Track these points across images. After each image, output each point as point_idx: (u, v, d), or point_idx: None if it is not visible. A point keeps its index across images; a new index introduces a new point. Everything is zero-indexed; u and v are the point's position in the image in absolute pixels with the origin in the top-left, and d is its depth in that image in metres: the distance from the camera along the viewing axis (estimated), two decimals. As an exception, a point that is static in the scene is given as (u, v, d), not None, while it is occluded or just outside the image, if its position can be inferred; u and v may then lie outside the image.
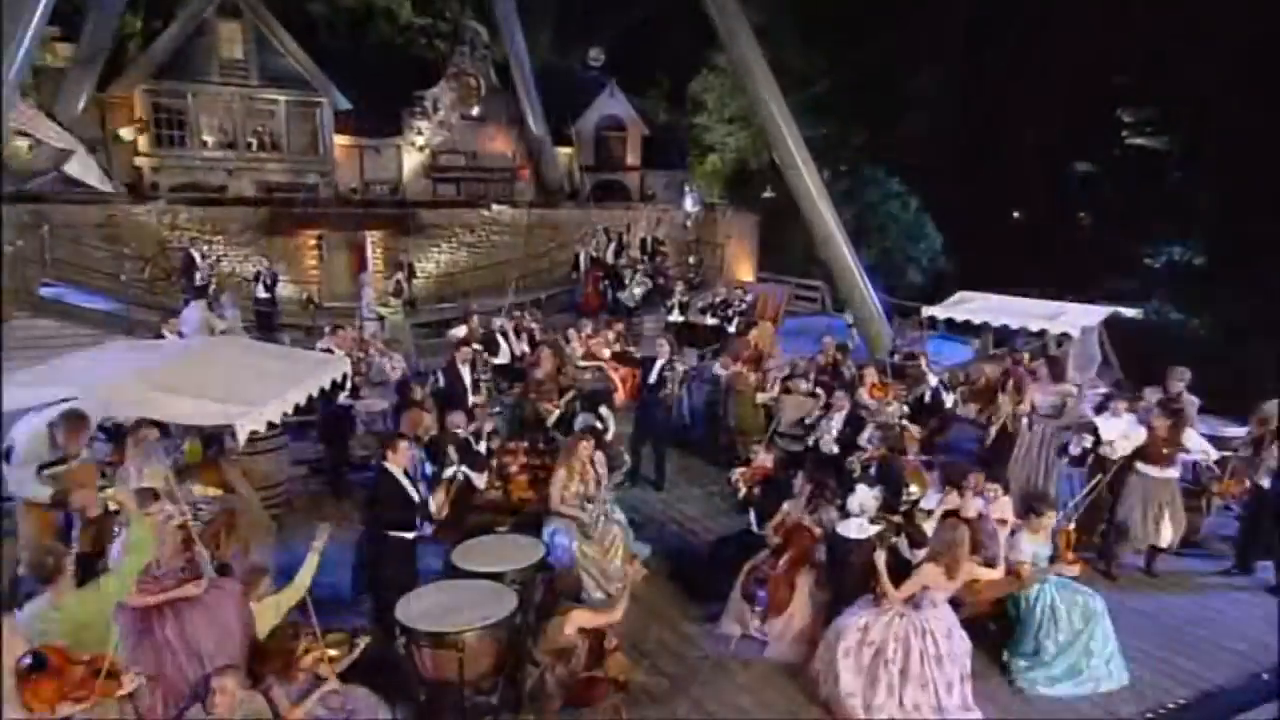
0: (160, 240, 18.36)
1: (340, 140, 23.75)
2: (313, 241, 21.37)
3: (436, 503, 5.60)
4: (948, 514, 5.62)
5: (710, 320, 13.86)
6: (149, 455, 5.67)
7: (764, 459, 6.60)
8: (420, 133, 24.84)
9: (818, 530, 6.05)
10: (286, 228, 20.59)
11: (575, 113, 27.39)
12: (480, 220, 23.18)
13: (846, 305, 16.10)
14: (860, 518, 5.74)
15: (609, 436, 8.10)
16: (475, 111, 25.76)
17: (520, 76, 24.44)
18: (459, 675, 4.54)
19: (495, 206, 23.65)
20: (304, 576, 4.72)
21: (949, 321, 16.67)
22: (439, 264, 21.92)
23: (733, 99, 27.72)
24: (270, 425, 7.96)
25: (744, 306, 13.74)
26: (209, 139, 21.56)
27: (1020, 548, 5.80)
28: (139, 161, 21.03)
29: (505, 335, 10.40)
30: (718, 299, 13.96)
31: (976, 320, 10.05)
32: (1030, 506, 5.88)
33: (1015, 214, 28.58)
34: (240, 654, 4.46)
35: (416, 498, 5.55)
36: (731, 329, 12.87)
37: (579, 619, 4.82)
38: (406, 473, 5.67)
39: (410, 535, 5.54)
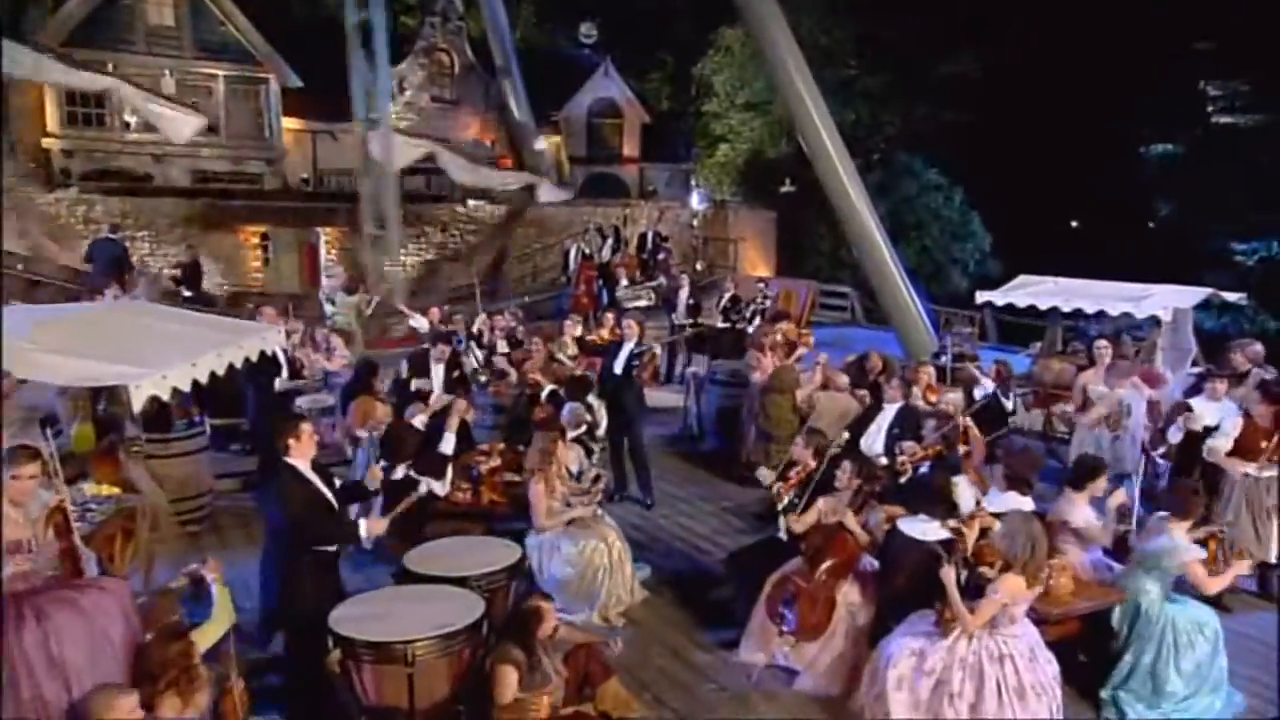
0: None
1: (290, 124, 23.70)
2: (256, 240, 21.21)
3: (370, 529, 5.13)
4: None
5: (724, 323, 13.60)
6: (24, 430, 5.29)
7: (801, 453, 6.26)
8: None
9: (864, 536, 5.67)
10: (225, 223, 20.43)
11: (564, 96, 27.43)
12: (453, 217, 23.07)
13: (888, 313, 15.80)
14: (929, 522, 5.35)
15: (600, 429, 8.11)
16: (447, 93, 25.76)
17: (500, 53, 24.49)
18: (408, 701, 4.32)
19: (471, 202, 23.56)
20: (222, 613, 4.38)
21: (1000, 326, 16.58)
22: (405, 268, 21.66)
23: (747, 82, 27.77)
24: (189, 422, 8.00)
25: (765, 304, 13.46)
26: (132, 119, 21.44)
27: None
28: (47, 143, 20.82)
29: (477, 338, 10.31)
30: (726, 295, 13.68)
31: (1043, 305, 9.72)
32: (1081, 474, 5.70)
33: (1077, 215, 28.48)
34: (122, 671, 4.08)
35: (333, 501, 5.12)
36: (751, 330, 12.60)
37: (507, 681, 4.38)
38: (320, 468, 5.22)
39: (332, 548, 5.14)
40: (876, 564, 5.68)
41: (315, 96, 23.28)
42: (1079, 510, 5.80)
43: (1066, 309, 9.75)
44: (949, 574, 4.88)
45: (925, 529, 5.34)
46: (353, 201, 22.16)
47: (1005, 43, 25.51)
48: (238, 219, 20.55)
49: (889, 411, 7.66)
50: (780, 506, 5.97)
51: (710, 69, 28.44)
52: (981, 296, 10.17)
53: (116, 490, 6.13)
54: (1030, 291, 9.80)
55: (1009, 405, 8.83)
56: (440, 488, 6.61)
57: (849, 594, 5.59)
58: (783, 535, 6.15)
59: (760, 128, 27.61)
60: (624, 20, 28.48)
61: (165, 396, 4.96)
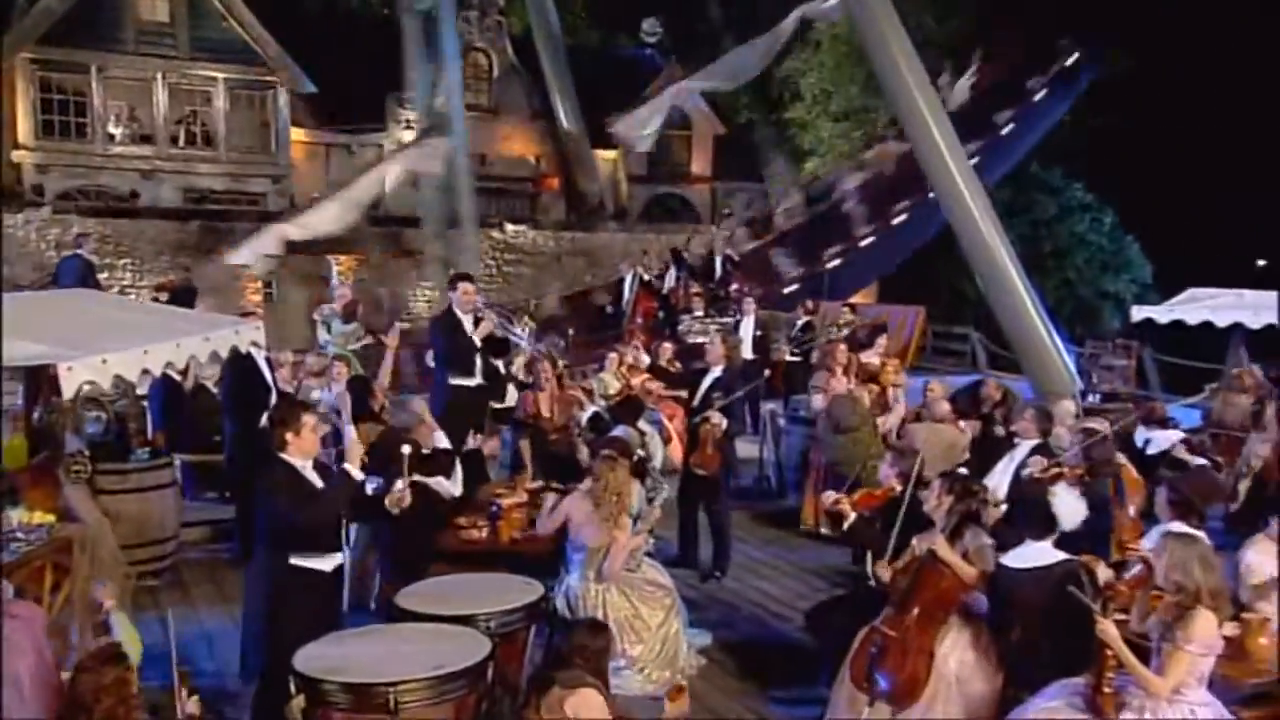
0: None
1: (300, 135, 24.44)
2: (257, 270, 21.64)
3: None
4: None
5: (795, 355, 13.46)
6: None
7: (886, 473, 6.01)
8: (409, 127, 25.37)
9: (969, 569, 5.32)
10: (222, 250, 20.88)
11: (622, 104, 27.63)
12: (490, 246, 23.34)
13: (1021, 357, 15.39)
14: (1043, 541, 4.99)
15: (655, 460, 8.12)
16: (485, 100, 26.28)
17: (548, 54, 25.02)
18: (390, 761, 4.17)
19: (511, 228, 23.88)
20: (126, 646, 4.40)
21: (1163, 370, 15.98)
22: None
23: (840, 85, 27.82)
24: (152, 452, 7.97)
25: (847, 331, 13.18)
26: (118, 130, 22.29)
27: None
28: (18, 156, 21.67)
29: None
30: (799, 323, 13.61)
31: (1221, 321, 9.25)
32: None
33: (1266, 250, 27.46)
34: (33, 711, 4.14)
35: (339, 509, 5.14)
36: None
37: (593, 704, 4.18)
38: (322, 467, 5.22)
39: (329, 566, 5.11)
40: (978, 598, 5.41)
41: (330, 103, 24.10)
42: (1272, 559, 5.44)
43: (1254, 325, 9.26)
44: (1110, 630, 4.50)
45: (1031, 553, 5.03)
46: (372, 225, 22.64)
47: (1168, 28, 25.05)
48: (236, 245, 20.96)
49: (1022, 449, 7.43)
50: (845, 524, 5.88)
51: (798, 69, 28.56)
52: (1139, 313, 9.77)
53: (51, 518, 6.09)
54: (1207, 305, 9.36)
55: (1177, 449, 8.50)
56: (453, 486, 6.70)
57: (953, 644, 5.31)
58: (872, 578, 5.93)
59: (857, 138, 27.51)
60: (692, 15, 28.78)
61: (105, 385, 4.89)
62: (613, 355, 11.55)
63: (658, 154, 27.80)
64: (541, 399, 8.96)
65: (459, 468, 6.97)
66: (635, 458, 7.28)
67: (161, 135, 22.69)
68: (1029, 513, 5.30)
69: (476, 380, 8.39)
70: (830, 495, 6.39)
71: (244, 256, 19.44)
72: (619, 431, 7.71)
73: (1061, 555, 5.08)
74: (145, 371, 5.32)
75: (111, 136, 22.21)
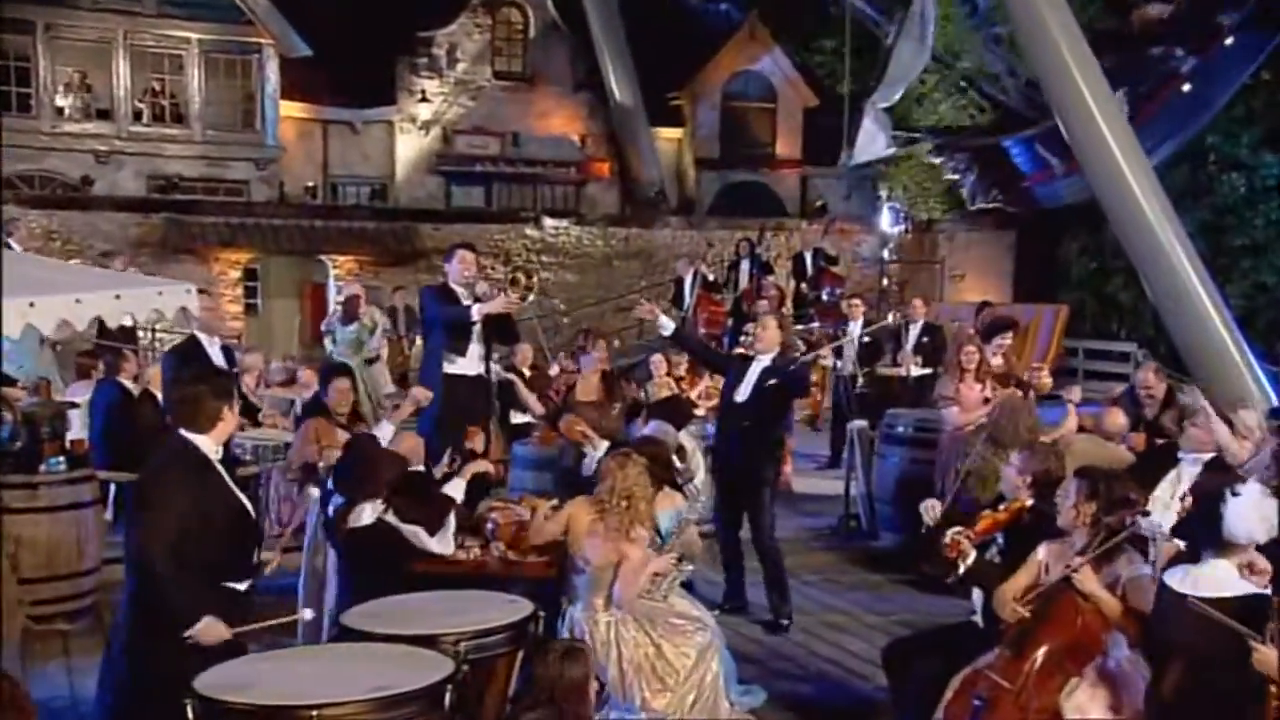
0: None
1: (292, 110, 24.84)
2: (236, 274, 22.01)
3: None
4: None
5: (911, 369, 13.40)
6: None
7: (1013, 479, 6.00)
8: (425, 99, 25.77)
9: (1111, 602, 5.11)
10: (192, 248, 21.32)
11: (689, 72, 27.94)
12: (525, 244, 23.49)
13: (1199, 378, 15.10)
14: (1227, 558, 4.72)
15: (697, 478, 8.23)
16: (519, 67, 26.60)
17: (596, 9, 25.18)
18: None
19: (549, 223, 24.00)
20: None
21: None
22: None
23: (967, 47, 27.63)
24: (70, 460, 8.02)
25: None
26: (67, 103, 22.76)
27: None
28: (-55, 135, 22.49)
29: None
30: (916, 325, 13.65)
31: None
32: None
33: None
34: None
35: (251, 510, 5.17)
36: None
37: None
38: (229, 465, 5.18)
39: (243, 585, 5.12)
40: (1129, 654, 5.23)
41: (328, 71, 24.48)
42: None
43: None
44: (1270, 659, 4.31)
45: (1209, 577, 4.70)
46: (379, 219, 22.89)
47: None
48: (211, 243, 21.40)
49: (1189, 467, 7.34)
50: (962, 566, 5.66)
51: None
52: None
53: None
54: None
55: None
56: (439, 545, 6.54)
57: (1085, 702, 5.17)
58: (977, 618, 5.98)
59: (992, 113, 27.29)
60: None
61: (47, 330, 4.94)
62: (657, 358, 11.45)
63: (734, 133, 28.00)
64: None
65: (451, 524, 6.80)
66: (668, 463, 7.23)
67: (121, 110, 23.20)
68: (1203, 518, 4.97)
69: (475, 368, 8.48)
70: (931, 504, 6.32)
71: None
72: (652, 429, 7.71)
73: (1250, 587, 4.72)
74: (66, 323, 5.34)
75: (60, 111, 22.76)
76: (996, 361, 10.10)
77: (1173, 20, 23.21)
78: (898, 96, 22.88)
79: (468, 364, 8.52)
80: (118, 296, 5.88)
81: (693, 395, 11.31)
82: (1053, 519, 5.58)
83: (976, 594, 6.00)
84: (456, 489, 6.81)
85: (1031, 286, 23.89)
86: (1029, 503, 5.85)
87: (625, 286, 23.25)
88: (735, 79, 28.04)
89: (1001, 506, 5.93)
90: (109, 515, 9.27)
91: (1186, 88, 21.49)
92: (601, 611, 6.03)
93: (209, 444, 4.99)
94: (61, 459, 8.01)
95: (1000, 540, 5.96)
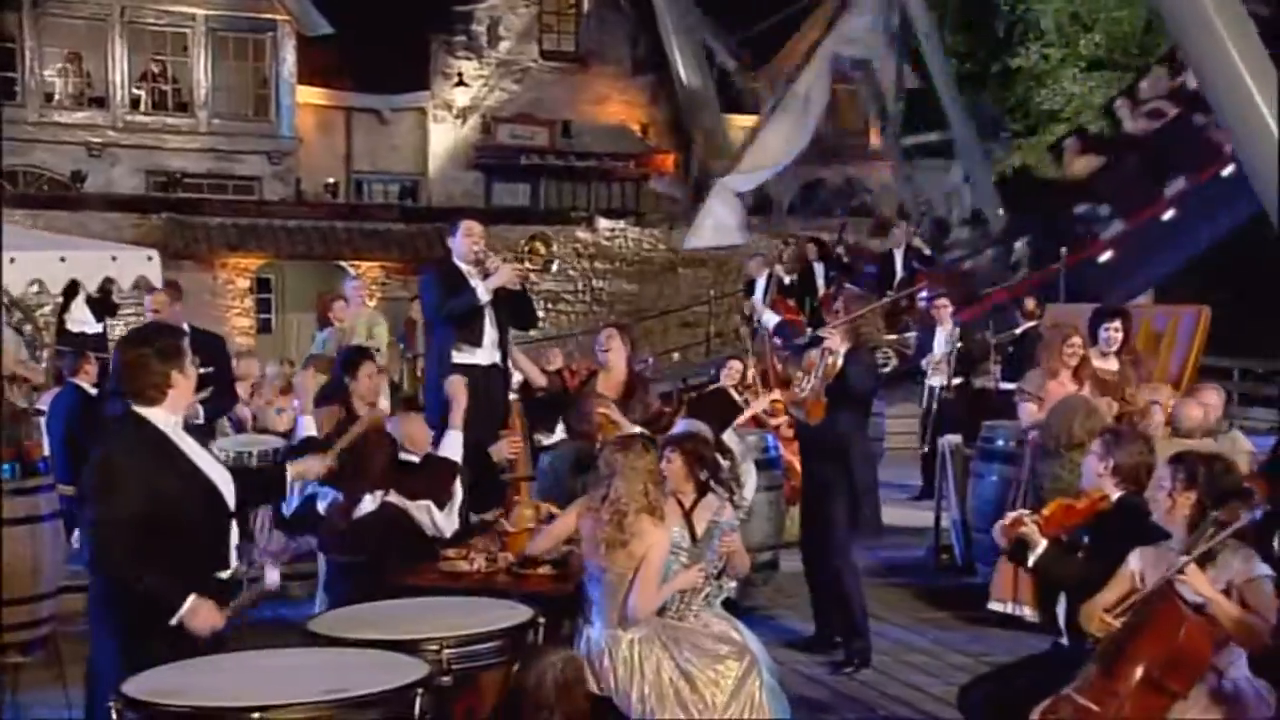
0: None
1: (311, 96, 25.27)
2: (246, 283, 22.28)
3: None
4: None
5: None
6: None
7: (1095, 467, 5.93)
8: (462, 83, 26.06)
9: (1228, 606, 5.06)
10: (196, 253, 21.62)
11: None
12: (576, 249, 23.56)
13: None
14: None
15: (746, 490, 8.35)
16: (570, 46, 26.76)
17: (660, -21, 25.32)
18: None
19: (604, 224, 24.11)
20: None
21: None
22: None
23: (1100, 16, 27.48)
24: (23, 466, 8.12)
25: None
26: (57, 87, 23.19)
27: None
28: (-84, 126, 22.99)
29: None
30: (1019, 328, 13.84)
31: None
32: None
33: None
34: None
35: (229, 497, 5.15)
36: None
37: None
38: (200, 432, 5.42)
39: (223, 574, 5.12)
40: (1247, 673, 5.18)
41: (354, 53, 24.84)
42: None
43: None
44: None
45: None
46: (409, 220, 23.05)
47: None
48: (217, 246, 21.71)
49: None
50: (1032, 556, 5.72)
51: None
52: None
53: None
54: None
55: None
56: (446, 521, 6.81)
57: None
58: (1065, 640, 5.97)
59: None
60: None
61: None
62: (734, 364, 11.51)
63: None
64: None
65: (459, 493, 6.98)
66: (703, 467, 7.18)
67: (118, 96, 23.67)
68: None
69: (490, 356, 8.52)
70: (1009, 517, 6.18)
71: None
72: (682, 427, 7.70)
73: None
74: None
75: (49, 98, 23.22)
76: (1107, 365, 9.92)
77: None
78: (759, 183, 23.35)
79: (483, 353, 8.57)
80: (62, 259, 5.91)
81: (759, 405, 11.20)
82: (1146, 515, 5.58)
83: (1060, 608, 5.97)
84: (453, 447, 6.95)
85: (1179, 296, 23.48)
86: (1114, 496, 5.81)
87: (691, 297, 23.37)
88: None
89: (1080, 501, 5.90)
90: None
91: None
92: (621, 631, 6.02)
93: (163, 416, 4.96)
94: (11, 465, 8.09)
95: (1086, 541, 5.94)
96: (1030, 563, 5.79)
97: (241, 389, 11.30)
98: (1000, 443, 10.61)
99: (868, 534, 9.30)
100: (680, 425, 7.90)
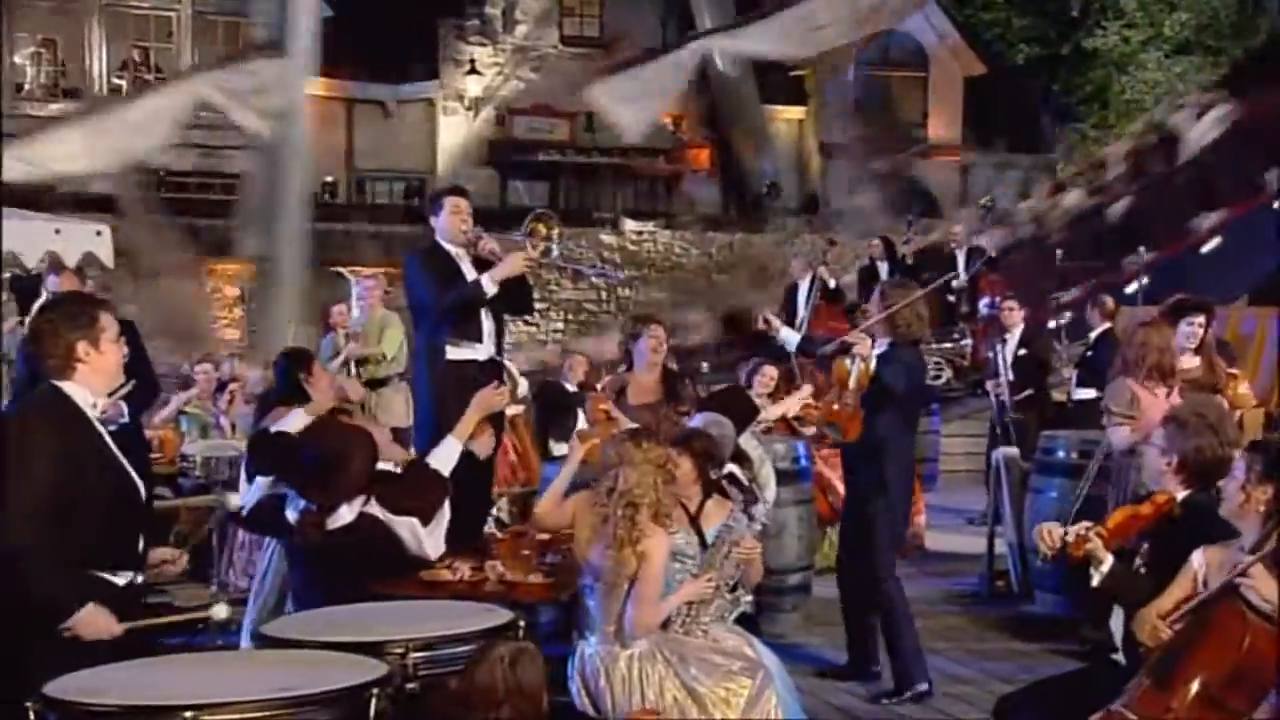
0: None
1: (309, 87, 24.90)
2: (235, 291, 22.36)
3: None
4: None
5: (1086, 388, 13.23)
6: None
7: (1157, 463, 5.93)
8: (475, 71, 26.20)
9: None
10: (180, 259, 21.66)
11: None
12: (600, 254, 23.60)
13: None
14: None
15: (766, 493, 8.37)
16: (593, 31, 26.99)
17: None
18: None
19: (631, 225, 24.18)
20: None
21: None
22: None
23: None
24: None
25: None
26: (28, 74, 23.50)
27: None
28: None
29: None
30: (1095, 331, 13.59)
31: None
32: None
33: None
34: None
35: (139, 486, 5.26)
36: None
37: None
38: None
39: (121, 579, 5.19)
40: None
41: (355, 38, 24.94)
42: None
43: None
44: None
45: None
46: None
47: None
48: (201, 250, 21.77)
49: None
50: (1096, 576, 5.68)
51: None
52: None
53: None
54: None
55: None
56: (431, 542, 6.69)
57: None
58: (1119, 656, 5.93)
59: (1212, 71, 27.11)
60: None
61: None
62: (768, 369, 11.43)
63: (870, 110, 28.05)
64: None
65: (446, 512, 6.91)
66: (713, 466, 7.21)
67: (96, 86, 23.93)
68: None
69: (488, 350, 8.53)
70: (1049, 528, 6.07)
71: None
72: (700, 421, 7.72)
73: None
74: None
75: (19, 88, 23.45)
76: (1192, 364, 9.83)
77: None
78: None
79: (483, 347, 8.57)
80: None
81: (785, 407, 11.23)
82: (1213, 514, 5.54)
83: (1115, 621, 5.92)
84: (446, 459, 6.92)
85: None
86: (1180, 495, 5.74)
87: (729, 304, 23.30)
88: (875, 41, 28.09)
89: (1145, 505, 5.82)
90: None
91: None
92: (619, 645, 6.02)
93: (81, 394, 5.03)
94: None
95: (1145, 548, 5.88)
96: (1095, 582, 5.73)
97: (202, 382, 11.90)
98: (1061, 454, 10.65)
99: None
100: (698, 419, 7.87)
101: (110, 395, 5.37)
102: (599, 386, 11.36)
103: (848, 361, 8.39)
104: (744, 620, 6.87)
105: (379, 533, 6.43)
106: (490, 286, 8.37)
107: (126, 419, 8.60)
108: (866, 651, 8.77)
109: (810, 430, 11.18)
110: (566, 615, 6.60)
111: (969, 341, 17.27)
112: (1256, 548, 5.20)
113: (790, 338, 9.22)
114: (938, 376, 17.03)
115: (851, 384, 8.27)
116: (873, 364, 8.25)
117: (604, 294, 23.65)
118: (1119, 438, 8.98)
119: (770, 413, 10.91)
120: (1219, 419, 6.09)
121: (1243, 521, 5.37)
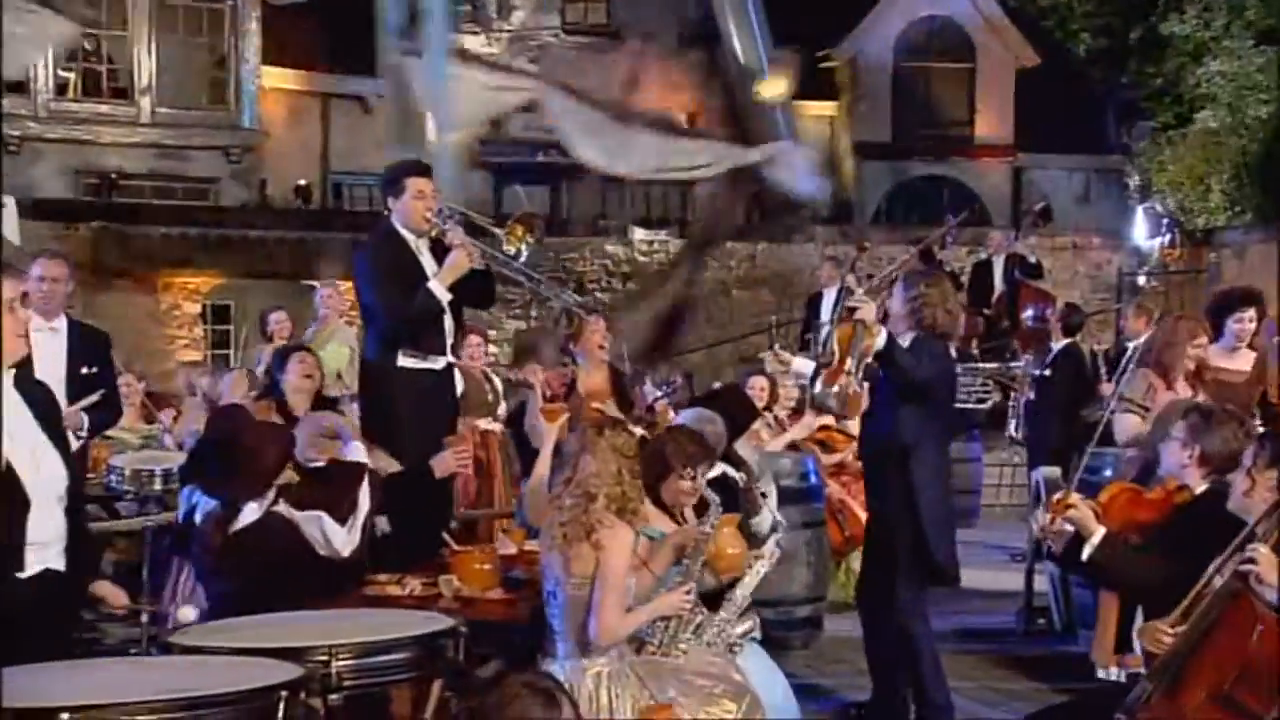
0: None
1: (280, 80, 25.69)
2: (195, 308, 22.44)
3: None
4: None
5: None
6: None
7: (1180, 457, 6.12)
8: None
9: None
10: (135, 271, 21.78)
11: (843, 23, 28.29)
12: (605, 265, 23.69)
13: None
14: None
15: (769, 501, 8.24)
16: (601, 18, 27.11)
17: (708, -63, 25.55)
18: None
19: (640, 234, 24.21)
20: None
21: None
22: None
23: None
24: None
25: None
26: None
27: None
28: None
29: None
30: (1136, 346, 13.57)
31: None
32: None
33: None
34: None
35: (38, 486, 5.21)
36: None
37: None
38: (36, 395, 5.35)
39: (26, 574, 5.23)
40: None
41: (331, 26, 25.18)
42: None
43: None
44: None
45: None
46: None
47: None
48: (161, 263, 22.00)
49: None
50: (1088, 548, 5.86)
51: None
52: None
53: None
54: None
55: None
56: (345, 539, 6.78)
57: None
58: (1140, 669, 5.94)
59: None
60: None
61: None
62: (757, 380, 11.75)
63: (909, 106, 28.18)
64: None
65: (364, 503, 6.99)
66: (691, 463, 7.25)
67: (40, 80, 23.83)
68: None
69: (445, 358, 8.54)
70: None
71: None
72: (688, 417, 7.90)
73: None
74: None
75: None
76: (1233, 364, 9.83)
77: None
78: None
79: (442, 356, 8.58)
80: None
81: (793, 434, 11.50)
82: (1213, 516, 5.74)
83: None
84: (358, 453, 7.02)
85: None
86: (1199, 489, 5.92)
87: (750, 324, 23.40)
88: (914, 29, 28.46)
89: (1155, 490, 6.16)
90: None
91: None
92: (584, 661, 6.02)
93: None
94: None
95: (1158, 536, 6.07)
96: (1085, 555, 5.86)
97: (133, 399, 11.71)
98: (1109, 472, 10.32)
99: (937, 582, 9.08)
100: (687, 415, 8.06)
101: (71, 405, 5.44)
102: (535, 386, 11.35)
103: (847, 328, 8.23)
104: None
105: (286, 532, 6.51)
106: (443, 294, 8.37)
107: (85, 433, 8.73)
108: (891, 691, 8.71)
109: (838, 457, 11.31)
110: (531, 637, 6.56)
111: (1021, 364, 17.22)
112: (1264, 535, 5.34)
113: (804, 367, 9.24)
114: (984, 400, 17.08)
115: (855, 353, 8.24)
116: (879, 340, 8.30)
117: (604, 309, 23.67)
118: (1124, 427, 9.26)
119: (776, 443, 11.03)
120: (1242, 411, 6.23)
121: (1249, 511, 5.51)
